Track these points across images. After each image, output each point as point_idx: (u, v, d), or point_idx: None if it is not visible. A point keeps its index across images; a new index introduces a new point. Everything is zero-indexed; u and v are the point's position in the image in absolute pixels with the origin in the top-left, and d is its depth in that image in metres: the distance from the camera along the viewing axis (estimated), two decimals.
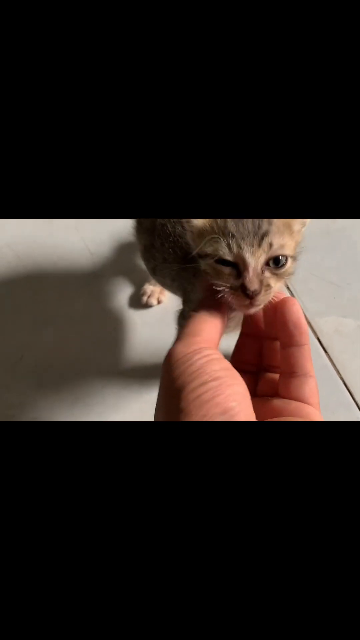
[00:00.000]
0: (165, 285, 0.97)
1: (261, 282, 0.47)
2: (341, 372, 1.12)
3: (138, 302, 1.24)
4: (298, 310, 0.45)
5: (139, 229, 0.98)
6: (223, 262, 0.49)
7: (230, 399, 0.38)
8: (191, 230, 0.54)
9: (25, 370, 1.15)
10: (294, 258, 0.53)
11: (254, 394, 0.49)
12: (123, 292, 1.27)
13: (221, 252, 0.48)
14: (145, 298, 1.22)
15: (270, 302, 0.48)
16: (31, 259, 1.31)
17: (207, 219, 0.51)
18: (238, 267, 0.48)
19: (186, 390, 0.38)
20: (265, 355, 0.49)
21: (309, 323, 1.19)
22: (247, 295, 0.46)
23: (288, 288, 1.24)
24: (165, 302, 1.21)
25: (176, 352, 0.42)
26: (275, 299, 0.47)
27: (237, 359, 0.50)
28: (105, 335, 1.20)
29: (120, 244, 1.34)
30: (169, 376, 0.41)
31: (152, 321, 1.21)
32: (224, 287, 0.48)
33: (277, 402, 0.45)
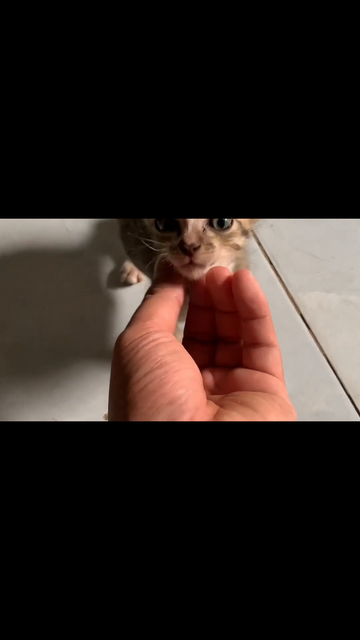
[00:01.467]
0: (140, 268, 0.95)
1: (201, 239, 0.46)
2: (324, 348, 1.11)
3: (117, 280, 1.21)
4: (253, 284, 0.43)
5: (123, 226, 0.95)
6: (165, 224, 0.48)
7: (177, 387, 0.37)
8: None
9: (2, 352, 1.13)
10: (245, 230, 0.52)
11: (214, 363, 0.48)
12: (102, 271, 1.24)
13: None
14: (124, 276, 1.20)
15: (212, 275, 0.46)
16: (6, 238, 1.27)
17: None
18: (179, 227, 0.47)
19: (132, 381, 0.37)
20: (220, 328, 0.48)
21: (291, 299, 1.17)
22: (185, 251, 0.45)
23: (270, 262, 1.21)
24: (145, 280, 1.19)
25: (124, 338, 0.40)
26: (220, 274, 0.45)
27: (190, 330, 0.50)
28: (84, 315, 1.17)
29: (98, 220, 1.29)
30: (117, 365, 0.40)
31: (132, 300, 1.19)
32: (165, 251, 0.47)
33: (240, 373, 0.45)
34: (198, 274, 0.47)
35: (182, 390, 0.37)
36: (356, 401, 1.04)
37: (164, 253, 0.48)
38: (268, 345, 0.44)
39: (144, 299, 0.45)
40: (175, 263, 0.47)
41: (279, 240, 1.24)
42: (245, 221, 0.52)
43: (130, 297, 1.20)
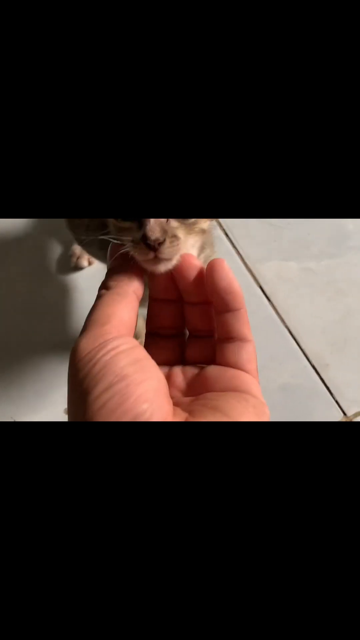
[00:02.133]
0: (94, 255, 0.89)
1: (165, 231, 0.43)
2: (286, 320, 1.09)
3: (68, 265, 1.15)
4: (228, 274, 0.41)
5: None
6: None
7: (141, 401, 0.34)
8: None
9: None
10: None
11: (184, 361, 0.45)
12: (50, 256, 1.17)
13: None
14: (74, 260, 1.14)
15: (179, 265, 0.43)
16: None
17: None
18: (139, 220, 0.44)
19: (91, 397, 0.34)
20: (189, 321, 0.46)
21: (250, 271, 1.14)
22: (149, 246, 0.42)
23: (227, 235, 1.17)
24: (97, 263, 1.13)
25: (79, 349, 0.37)
26: (188, 263, 0.43)
27: (154, 325, 0.46)
28: (35, 305, 1.12)
29: None
30: (74, 379, 0.36)
31: (85, 285, 1.13)
32: (127, 244, 0.44)
33: (212, 370, 0.42)
34: (164, 267, 0.44)
35: (145, 405, 0.34)
36: (321, 372, 1.03)
37: (126, 247, 0.44)
38: (242, 340, 0.42)
39: (98, 296, 0.41)
40: (139, 258, 0.43)
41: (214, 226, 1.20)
42: None
43: (83, 281, 1.14)
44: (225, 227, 1.18)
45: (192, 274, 0.43)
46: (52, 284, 1.15)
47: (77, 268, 1.14)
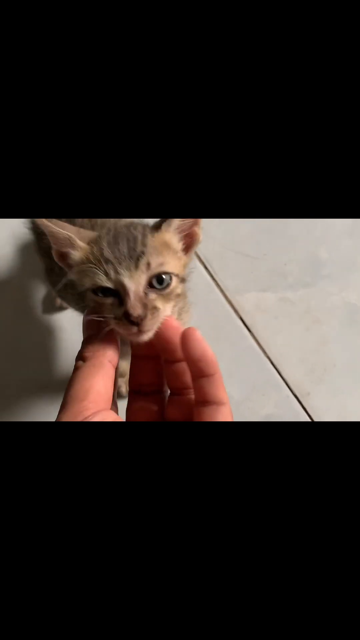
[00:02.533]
0: (72, 307, 0.92)
1: (145, 305, 0.45)
2: (266, 350, 1.13)
3: (52, 305, 1.17)
4: (201, 342, 0.43)
5: (37, 250, 0.91)
6: (103, 291, 0.47)
7: None
8: (72, 265, 0.51)
9: None
10: (182, 278, 0.52)
11: (162, 418, 0.48)
12: (35, 296, 1.20)
13: (99, 281, 0.46)
14: (59, 301, 1.16)
15: (160, 327, 0.46)
16: None
17: (85, 250, 0.50)
18: (120, 295, 0.46)
19: None
20: (168, 378, 0.48)
21: (229, 302, 1.17)
22: (132, 322, 0.45)
23: (206, 268, 1.20)
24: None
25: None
26: (164, 327, 0.46)
27: (135, 382, 0.49)
28: (20, 346, 1.14)
29: (24, 242, 1.24)
30: None
31: (70, 325, 1.16)
32: (109, 319, 0.46)
33: None
34: (147, 337, 0.46)
35: None
36: (303, 401, 1.07)
37: (106, 320, 0.46)
38: (218, 403, 0.44)
39: (75, 368, 0.44)
40: (122, 332, 0.46)
41: (210, 242, 1.23)
42: (181, 269, 0.52)
43: (67, 321, 1.16)
44: (204, 260, 1.21)
45: (172, 334, 0.45)
46: (37, 324, 1.17)
47: (62, 308, 1.17)
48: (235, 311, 1.17)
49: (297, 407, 1.07)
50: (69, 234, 0.50)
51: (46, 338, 1.15)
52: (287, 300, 1.18)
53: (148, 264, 0.46)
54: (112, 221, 0.78)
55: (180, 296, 0.52)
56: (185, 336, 0.43)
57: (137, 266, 0.46)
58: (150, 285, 0.47)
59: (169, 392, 0.49)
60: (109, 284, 0.46)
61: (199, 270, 1.19)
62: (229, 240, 1.23)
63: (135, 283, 0.46)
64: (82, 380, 0.42)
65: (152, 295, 0.47)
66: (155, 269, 0.47)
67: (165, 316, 0.47)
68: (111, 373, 0.44)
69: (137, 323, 0.44)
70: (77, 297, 0.81)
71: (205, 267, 1.21)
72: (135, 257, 0.46)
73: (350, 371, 1.10)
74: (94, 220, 0.77)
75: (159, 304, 0.47)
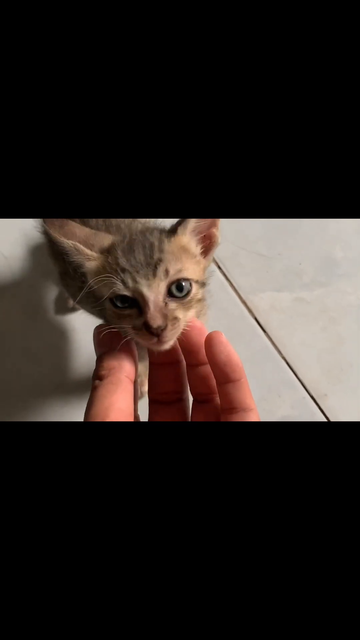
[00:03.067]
0: (88, 311, 0.91)
1: (165, 316, 0.44)
2: (282, 350, 1.11)
3: (64, 305, 1.16)
4: (226, 347, 0.42)
5: (50, 254, 0.90)
6: (122, 300, 0.45)
7: None
8: (89, 272, 0.50)
9: None
10: (202, 283, 0.50)
11: None
12: (47, 297, 1.19)
13: (117, 290, 0.45)
14: (71, 302, 1.15)
15: (184, 332, 0.45)
16: None
17: (100, 259, 0.48)
18: (139, 304, 0.45)
19: None
20: (192, 384, 0.47)
21: (243, 302, 1.16)
22: (152, 333, 0.43)
23: (219, 267, 1.19)
24: None
25: None
26: (188, 328, 0.45)
27: (156, 392, 0.47)
28: (34, 347, 1.13)
29: (36, 243, 1.23)
30: None
31: (82, 325, 1.15)
32: (127, 330, 0.45)
33: None
34: (168, 345, 0.45)
35: None
36: (320, 402, 1.06)
37: (128, 333, 0.45)
38: (245, 410, 0.43)
39: (93, 388, 0.42)
40: (142, 343, 0.45)
41: (224, 242, 1.21)
42: (201, 273, 0.50)
43: (80, 322, 1.15)
44: (217, 259, 1.20)
45: (195, 335, 0.44)
46: (50, 325, 1.16)
47: (74, 309, 1.16)
48: (250, 311, 1.15)
49: (314, 408, 1.06)
50: (73, 242, 0.48)
51: (59, 339, 1.14)
52: (302, 300, 1.16)
53: (166, 271, 0.45)
54: (126, 222, 0.77)
55: (201, 301, 0.51)
56: (209, 340, 0.42)
57: (155, 274, 0.44)
58: (170, 293, 0.45)
59: (191, 398, 0.48)
60: (126, 293, 0.45)
61: (212, 270, 1.18)
62: (243, 240, 1.22)
63: (154, 292, 0.44)
64: (102, 399, 0.41)
65: (172, 305, 0.45)
66: (174, 275, 0.45)
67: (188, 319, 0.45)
68: (130, 388, 0.43)
69: (157, 334, 0.43)
70: (97, 306, 0.80)
71: (219, 267, 1.20)
72: (153, 265, 0.45)
73: None
74: (108, 220, 0.76)
75: (180, 313, 0.45)
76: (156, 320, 0.43)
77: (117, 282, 0.45)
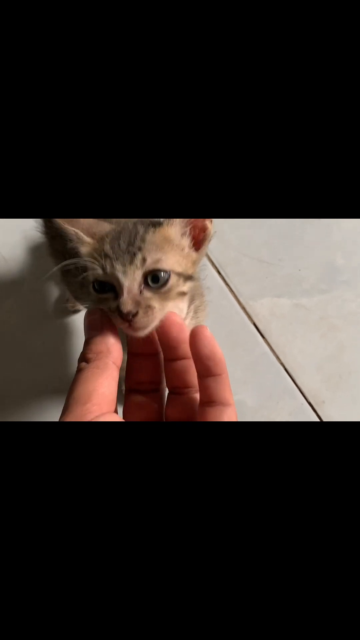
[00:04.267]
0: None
1: (138, 303, 0.45)
2: (281, 357, 1.11)
3: (64, 308, 1.16)
4: (210, 341, 0.42)
5: (51, 252, 0.90)
6: (100, 285, 0.47)
7: None
8: (81, 256, 0.52)
9: None
10: (187, 276, 0.50)
11: (161, 417, 0.47)
12: (48, 299, 1.19)
13: (96, 274, 0.47)
14: (71, 304, 1.15)
15: (163, 326, 0.45)
16: None
17: (93, 245, 0.50)
18: (116, 290, 0.46)
19: None
20: (168, 377, 0.47)
21: (243, 308, 1.16)
22: (122, 317, 0.44)
23: (219, 273, 1.19)
24: None
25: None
26: (167, 322, 0.45)
27: (133, 380, 0.47)
28: (33, 350, 1.13)
29: (35, 244, 1.23)
30: None
31: (81, 329, 1.14)
32: (106, 311, 0.46)
33: None
34: (143, 333, 0.45)
35: None
36: (318, 409, 1.06)
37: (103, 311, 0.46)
38: (224, 404, 0.43)
39: (78, 370, 0.42)
40: (116, 324, 0.45)
41: (225, 248, 1.22)
42: (186, 266, 0.50)
43: (79, 325, 1.15)
44: (217, 265, 1.20)
45: (174, 330, 0.44)
46: (49, 327, 1.16)
47: (75, 311, 1.16)
48: (249, 317, 1.15)
49: (312, 416, 1.05)
50: (75, 230, 0.50)
51: (58, 341, 1.14)
52: (302, 306, 1.16)
53: (144, 260, 0.46)
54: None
55: (187, 295, 0.51)
56: (194, 334, 0.42)
57: (132, 261, 0.46)
58: (146, 282, 0.46)
59: (167, 391, 0.48)
60: (103, 278, 0.46)
61: (212, 276, 1.18)
62: (244, 246, 1.22)
63: (129, 279, 0.45)
64: (85, 382, 0.41)
65: (148, 294, 0.46)
66: (151, 265, 0.46)
67: (168, 312, 0.46)
68: (115, 374, 0.43)
69: (127, 319, 0.44)
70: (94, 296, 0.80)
71: (219, 273, 1.19)
72: (132, 253, 0.46)
73: None
74: None
75: (155, 302, 0.46)
76: (126, 306, 0.44)
77: (97, 267, 0.47)
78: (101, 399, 0.40)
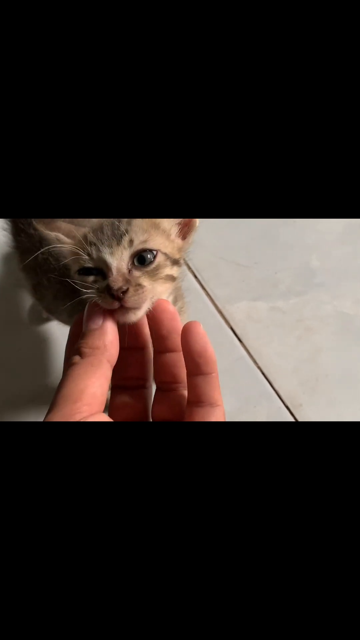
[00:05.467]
0: (64, 322, 0.90)
1: (128, 280, 0.44)
2: (258, 361, 1.11)
3: (39, 316, 1.15)
4: (203, 337, 0.42)
5: (22, 267, 0.88)
6: (87, 272, 0.47)
7: None
8: (65, 256, 0.52)
9: None
10: (174, 260, 0.50)
11: (148, 415, 0.46)
12: (21, 306, 1.17)
13: (82, 262, 0.47)
14: (45, 313, 1.13)
15: (154, 309, 0.45)
16: None
17: (69, 245, 0.51)
18: (103, 273, 0.46)
19: None
20: (157, 371, 0.46)
21: (220, 312, 1.15)
22: (113, 296, 0.43)
23: (196, 277, 1.18)
24: None
25: None
26: (159, 308, 0.44)
27: (119, 376, 0.46)
28: (8, 358, 1.11)
29: (4, 252, 1.21)
30: None
31: (59, 334, 1.14)
32: (93, 294, 0.45)
33: None
34: (134, 316, 0.44)
35: None
36: (295, 412, 1.06)
37: (93, 297, 0.45)
38: (212, 404, 0.42)
39: (71, 364, 0.40)
40: (105, 306, 0.44)
41: (201, 251, 1.21)
42: (172, 250, 0.50)
43: (56, 330, 1.14)
44: (194, 269, 1.19)
45: (166, 318, 0.44)
46: (25, 335, 1.14)
47: (48, 319, 1.14)
48: (226, 321, 1.15)
49: (290, 419, 1.05)
50: (55, 234, 0.51)
51: (35, 349, 1.13)
52: (278, 309, 1.16)
53: (131, 241, 0.46)
54: None
55: (176, 281, 0.51)
56: (187, 329, 0.42)
57: (119, 243, 0.46)
58: (133, 262, 0.46)
59: (154, 387, 0.47)
60: (90, 264, 0.46)
61: (189, 279, 1.17)
62: (220, 249, 1.21)
63: (117, 259, 0.45)
64: (78, 379, 0.39)
65: (137, 273, 0.46)
66: (138, 245, 0.46)
67: (159, 300, 0.45)
68: (108, 374, 0.41)
69: (118, 297, 0.43)
70: (69, 308, 0.79)
71: (195, 276, 1.19)
72: (118, 236, 0.46)
73: (343, 382, 1.08)
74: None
75: (145, 281, 0.45)
76: (117, 282, 0.43)
77: (84, 255, 0.47)
78: (92, 399, 0.38)
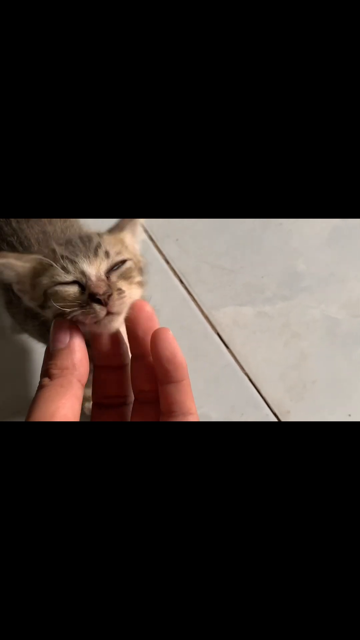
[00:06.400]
0: (38, 340, 0.88)
1: (109, 285, 0.45)
2: (245, 367, 1.10)
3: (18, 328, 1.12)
4: (172, 343, 0.41)
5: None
6: (65, 285, 0.46)
7: None
8: (20, 280, 0.53)
9: None
10: (140, 269, 0.52)
11: None
12: (3, 316, 1.15)
13: (57, 277, 0.46)
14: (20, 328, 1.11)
15: (132, 312, 0.44)
16: None
17: (32, 261, 0.52)
18: (81, 284, 0.45)
19: None
20: (136, 380, 0.45)
21: (206, 318, 1.14)
22: (99, 301, 0.43)
23: (181, 282, 1.17)
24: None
25: None
26: (136, 309, 0.44)
27: (100, 394, 0.46)
28: None
29: None
30: None
31: (40, 345, 1.11)
32: (74, 310, 0.43)
33: None
34: (116, 323, 0.44)
35: None
36: (282, 419, 1.05)
37: (74, 313, 0.44)
38: (184, 413, 0.41)
39: (40, 386, 0.39)
40: (90, 320, 0.43)
41: (186, 256, 1.20)
42: (136, 260, 0.52)
43: (37, 343, 1.12)
44: (179, 274, 1.18)
45: (144, 318, 0.43)
46: (5, 347, 1.12)
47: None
48: (213, 327, 1.14)
49: None
50: (5, 259, 0.52)
51: (16, 361, 1.11)
52: (264, 314, 1.15)
53: (107, 253, 0.47)
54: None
55: (143, 288, 0.51)
56: (156, 335, 0.41)
57: (96, 254, 0.47)
58: (110, 270, 0.47)
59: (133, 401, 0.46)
60: (69, 278, 0.46)
61: (174, 285, 1.16)
62: (204, 253, 1.20)
63: (96, 268, 0.46)
64: (49, 402, 0.38)
65: (114, 278, 0.47)
66: (114, 257, 0.48)
67: (137, 300, 0.45)
68: (80, 393, 0.40)
69: (105, 302, 0.43)
70: (40, 327, 0.77)
71: (181, 281, 1.17)
72: (94, 249, 0.47)
73: (331, 388, 1.08)
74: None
75: (123, 285, 0.46)
76: (100, 287, 0.44)
77: (58, 269, 0.46)
78: (64, 419, 0.37)
